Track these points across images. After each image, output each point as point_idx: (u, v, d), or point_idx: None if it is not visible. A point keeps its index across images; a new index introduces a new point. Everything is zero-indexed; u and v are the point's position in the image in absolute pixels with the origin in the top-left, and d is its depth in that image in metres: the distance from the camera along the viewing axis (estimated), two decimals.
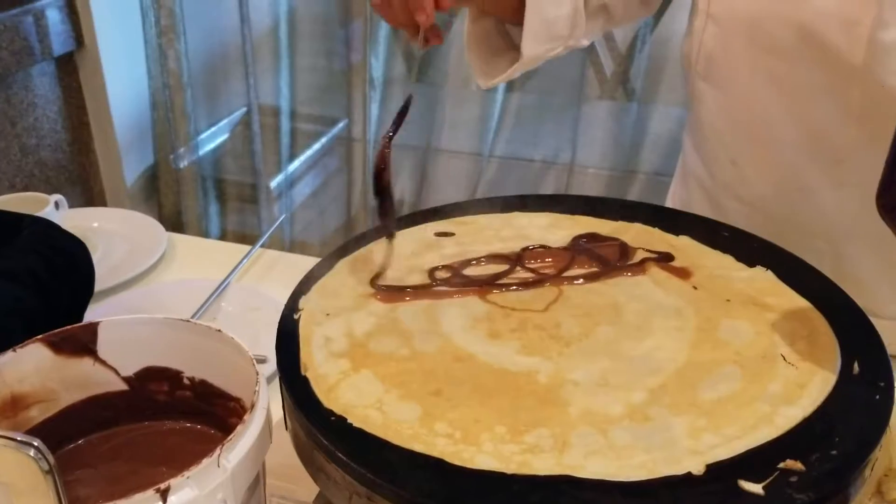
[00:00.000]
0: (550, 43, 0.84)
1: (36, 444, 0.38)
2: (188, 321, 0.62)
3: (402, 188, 2.04)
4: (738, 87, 0.82)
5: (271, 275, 1.03)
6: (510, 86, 1.88)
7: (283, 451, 0.57)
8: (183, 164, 2.01)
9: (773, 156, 0.82)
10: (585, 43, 0.88)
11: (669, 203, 1.00)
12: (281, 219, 1.72)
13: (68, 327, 0.62)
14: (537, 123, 1.93)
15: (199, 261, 1.08)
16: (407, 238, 0.73)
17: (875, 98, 0.71)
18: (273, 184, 2.07)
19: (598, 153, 1.90)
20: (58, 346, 0.61)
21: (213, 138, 2.08)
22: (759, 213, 0.85)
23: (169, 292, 0.98)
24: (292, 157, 2.06)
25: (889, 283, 0.82)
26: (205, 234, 2.10)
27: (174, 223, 2.05)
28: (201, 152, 2.04)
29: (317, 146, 2.08)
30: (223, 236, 2.17)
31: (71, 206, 1.14)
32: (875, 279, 0.82)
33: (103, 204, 1.92)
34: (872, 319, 0.60)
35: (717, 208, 0.89)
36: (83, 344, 0.62)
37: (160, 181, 2.03)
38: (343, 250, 0.71)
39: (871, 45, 0.69)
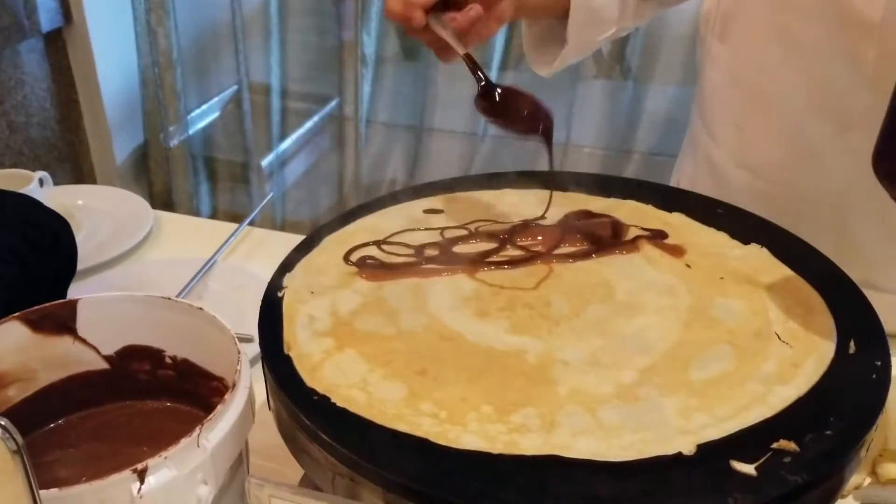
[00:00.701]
0: (599, 27, 0.85)
1: (3, 423, 0.37)
2: (168, 299, 0.61)
3: (394, 168, 2.03)
4: (752, 45, 0.82)
5: (259, 253, 1.01)
6: (504, 64, 1.86)
7: (270, 431, 0.56)
8: (173, 142, 1.99)
9: (781, 120, 0.81)
10: (641, 24, 0.90)
11: (674, 179, 1.00)
12: (269, 197, 1.70)
13: (46, 305, 0.60)
14: None
15: (186, 239, 1.07)
16: (395, 215, 0.72)
17: (890, 59, 0.70)
18: (264, 163, 2.05)
19: (593, 132, 1.88)
20: (36, 324, 0.60)
21: (203, 116, 2.06)
22: (763, 182, 0.84)
23: (155, 270, 0.96)
24: (283, 136, 2.04)
25: (894, 255, 0.81)
26: (195, 213, 2.08)
27: (165, 202, 2.03)
28: (192, 131, 2.02)
29: (308, 125, 2.06)
30: (214, 215, 2.16)
31: (60, 184, 1.12)
32: (879, 250, 0.80)
33: (93, 182, 1.90)
34: (875, 293, 0.58)
35: (720, 179, 0.88)
36: (62, 322, 0.61)
37: (150, 160, 2.01)
38: (330, 227, 0.69)
39: (892, 1, 0.68)
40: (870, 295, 0.58)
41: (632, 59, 1.78)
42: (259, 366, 0.57)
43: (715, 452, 0.46)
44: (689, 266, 0.64)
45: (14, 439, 0.37)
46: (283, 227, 2.08)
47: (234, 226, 1.04)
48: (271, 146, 2.04)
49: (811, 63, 0.76)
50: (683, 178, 0.97)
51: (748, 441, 0.47)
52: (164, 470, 0.48)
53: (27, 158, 1.72)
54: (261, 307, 0.60)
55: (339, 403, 0.50)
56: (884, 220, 0.79)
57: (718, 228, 0.69)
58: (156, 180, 2.03)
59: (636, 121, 1.84)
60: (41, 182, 1.03)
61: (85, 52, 1.77)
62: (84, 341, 0.62)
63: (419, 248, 0.67)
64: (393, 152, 2.01)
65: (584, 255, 0.66)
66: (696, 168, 0.93)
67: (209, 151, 2.11)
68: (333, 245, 0.67)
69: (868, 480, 0.64)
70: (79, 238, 0.88)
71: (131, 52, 1.90)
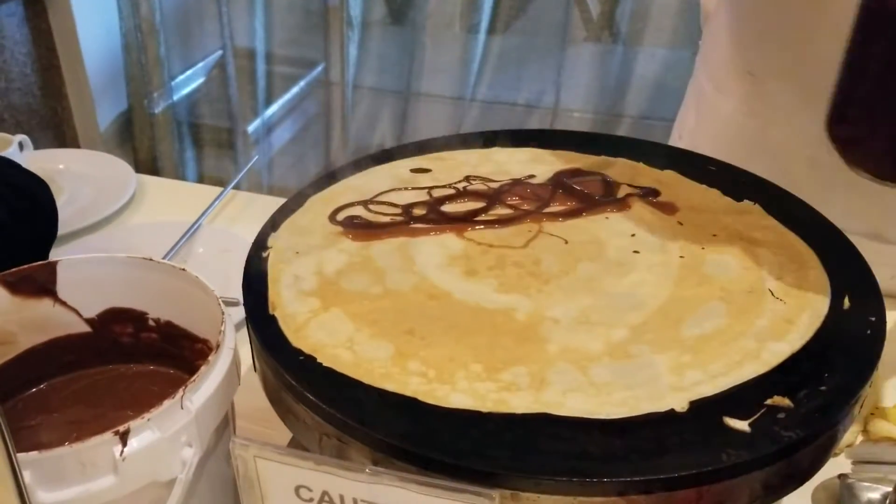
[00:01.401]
0: None
1: None
2: (150, 260, 0.60)
3: (382, 133, 2.01)
4: None
5: (244, 217, 1.00)
6: (493, 28, 1.84)
7: (258, 395, 0.55)
8: (158, 108, 1.96)
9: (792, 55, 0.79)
10: None
11: (675, 135, 0.98)
12: (254, 160, 1.68)
13: (25, 266, 0.59)
14: (520, 66, 1.89)
15: (170, 203, 1.05)
16: (381, 174, 0.70)
17: None
18: (250, 128, 2.03)
19: (582, 96, 1.87)
20: (14, 286, 0.59)
21: (188, 82, 2.04)
22: (774, 129, 0.82)
23: (138, 234, 0.95)
24: (269, 102, 2.02)
25: None
26: (181, 179, 2.06)
27: (150, 169, 2.01)
28: (176, 97, 1.99)
29: (294, 90, 2.04)
30: (200, 182, 2.13)
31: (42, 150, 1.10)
32: (889, 200, 0.79)
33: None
34: (883, 246, 0.57)
35: (727, 131, 0.86)
36: (41, 284, 0.60)
37: (135, 126, 1.99)
38: (315, 186, 0.68)
39: None
40: (878, 248, 0.57)
41: (622, 22, 1.76)
42: (245, 330, 0.56)
43: (708, 409, 0.45)
44: (680, 223, 0.63)
45: None
46: (270, 193, 2.06)
47: (218, 189, 1.03)
48: (257, 112, 2.01)
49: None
50: (686, 134, 0.96)
51: (742, 397, 0.46)
52: (147, 432, 0.47)
53: (9, 124, 1.70)
54: (245, 267, 0.58)
55: (326, 363, 0.49)
56: None
57: (711, 185, 0.67)
58: (140, 147, 2.00)
59: (626, 85, 1.83)
60: (21, 146, 1.01)
61: (65, 17, 1.74)
62: (64, 304, 0.61)
63: (406, 208, 0.65)
64: (380, 117, 1.99)
65: (574, 214, 0.65)
66: (701, 122, 0.92)
67: (194, 118, 2.08)
68: (319, 205, 0.66)
69: (860, 438, 0.63)
70: (60, 202, 0.86)
71: (113, 16, 1.87)
